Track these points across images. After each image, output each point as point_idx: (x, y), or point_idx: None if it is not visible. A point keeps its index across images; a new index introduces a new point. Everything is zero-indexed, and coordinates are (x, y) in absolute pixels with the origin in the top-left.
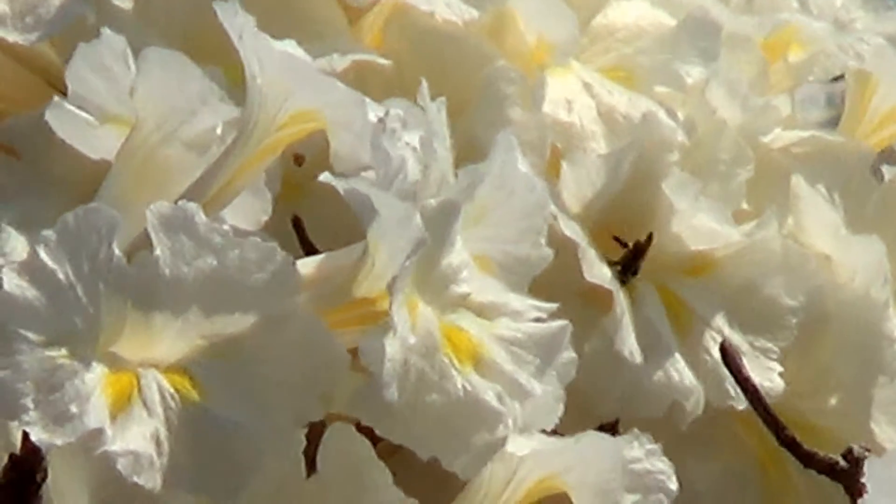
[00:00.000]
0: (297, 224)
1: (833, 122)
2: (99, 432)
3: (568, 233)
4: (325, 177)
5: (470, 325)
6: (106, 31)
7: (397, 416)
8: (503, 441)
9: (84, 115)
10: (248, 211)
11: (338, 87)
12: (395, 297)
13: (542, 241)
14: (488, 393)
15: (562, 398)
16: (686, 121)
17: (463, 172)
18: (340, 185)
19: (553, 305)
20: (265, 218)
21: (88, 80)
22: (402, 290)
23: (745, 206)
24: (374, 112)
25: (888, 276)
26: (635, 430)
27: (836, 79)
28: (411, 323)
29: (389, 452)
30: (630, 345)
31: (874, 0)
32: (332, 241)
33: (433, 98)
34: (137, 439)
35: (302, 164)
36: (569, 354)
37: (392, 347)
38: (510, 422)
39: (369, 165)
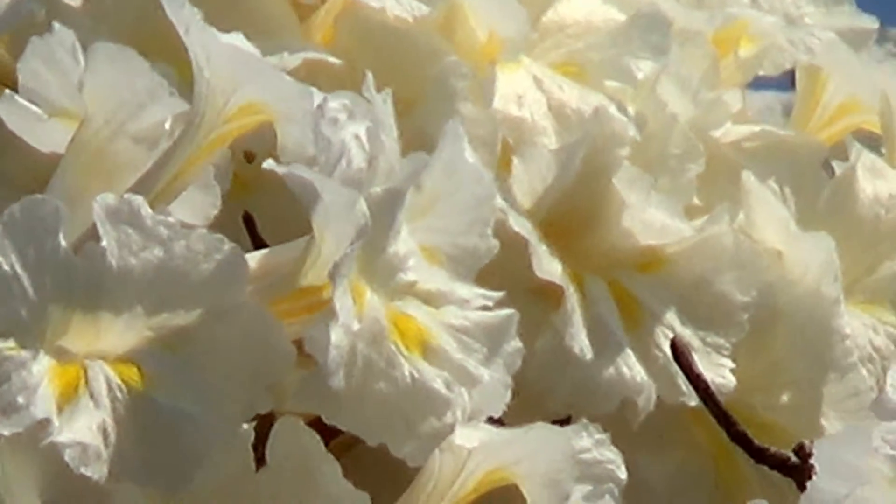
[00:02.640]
0: (248, 220)
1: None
2: (46, 423)
3: (517, 229)
4: (268, 163)
5: (417, 313)
6: (57, 26)
7: (344, 403)
8: (451, 427)
9: (34, 108)
10: (196, 206)
11: (284, 79)
12: (338, 283)
13: (489, 232)
14: (436, 380)
15: (509, 385)
16: (637, 115)
17: (407, 159)
18: (283, 171)
19: (499, 294)
20: (214, 213)
21: (39, 74)
22: (346, 277)
23: (696, 200)
24: (321, 101)
25: (838, 272)
26: (584, 420)
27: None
28: (357, 310)
29: (343, 449)
30: (580, 341)
31: None
32: (283, 238)
33: (380, 91)
34: (84, 430)
35: (252, 160)
36: (515, 344)
37: (337, 334)
38: (458, 409)
39: (315, 158)
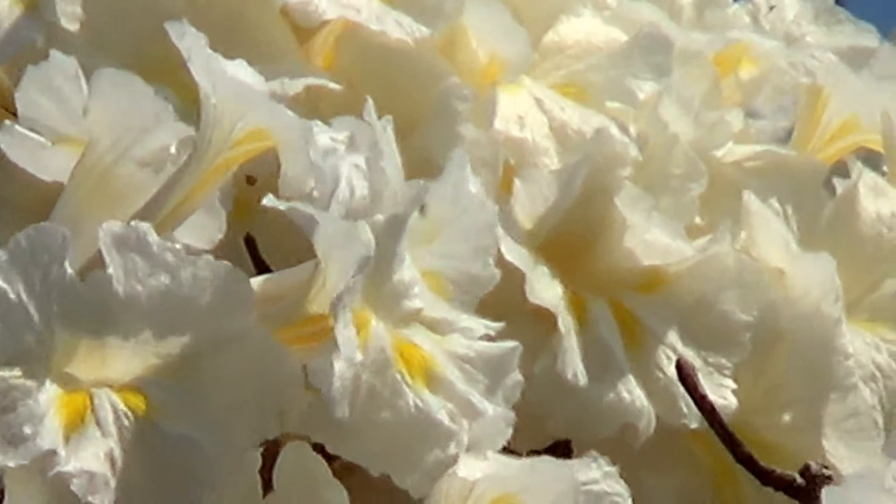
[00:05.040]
0: (250, 243)
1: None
2: (52, 454)
3: (510, 258)
4: (268, 200)
5: (422, 341)
6: (55, 53)
7: (348, 433)
8: (454, 459)
9: (35, 136)
10: (202, 230)
11: (285, 112)
12: (339, 316)
13: (491, 260)
14: (440, 411)
15: (511, 421)
16: (638, 136)
17: (407, 185)
18: (283, 206)
19: (501, 325)
20: (219, 236)
21: (38, 102)
22: (348, 308)
23: (697, 220)
24: (320, 134)
25: (839, 292)
26: (593, 452)
27: None
28: (362, 340)
29: (347, 472)
30: (574, 367)
31: (825, 14)
32: (285, 261)
33: (381, 116)
34: (91, 459)
35: (254, 183)
36: (516, 376)
37: (340, 366)
38: (461, 440)
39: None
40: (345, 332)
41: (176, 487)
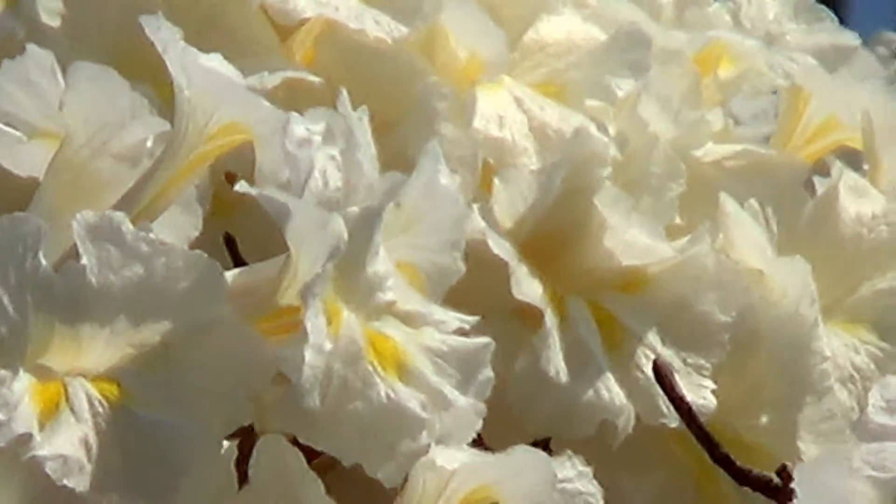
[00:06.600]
0: (230, 241)
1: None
2: (27, 437)
3: (497, 251)
4: (241, 186)
5: (395, 333)
6: (31, 47)
7: (319, 423)
8: (426, 449)
9: (11, 131)
10: (178, 226)
11: (261, 103)
12: (309, 304)
13: (458, 255)
14: (412, 401)
15: (482, 412)
16: (618, 135)
17: (383, 178)
18: (255, 193)
19: (475, 318)
20: (195, 233)
21: (14, 96)
22: (318, 297)
23: (677, 219)
24: (296, 125)
25: (815, 295)
26: (569, 451)
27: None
28: (333, 330)
29: (326, 467)
30: (556, 364)
31: (806, 13)
32: (264, 259)
33: (356, 108)
34: (66, 444)
35: (233, 181)
36: (487, 373)
37: (310, 355)
38: (433, 431)
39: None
40: (314, 321)
41: (152, 473)
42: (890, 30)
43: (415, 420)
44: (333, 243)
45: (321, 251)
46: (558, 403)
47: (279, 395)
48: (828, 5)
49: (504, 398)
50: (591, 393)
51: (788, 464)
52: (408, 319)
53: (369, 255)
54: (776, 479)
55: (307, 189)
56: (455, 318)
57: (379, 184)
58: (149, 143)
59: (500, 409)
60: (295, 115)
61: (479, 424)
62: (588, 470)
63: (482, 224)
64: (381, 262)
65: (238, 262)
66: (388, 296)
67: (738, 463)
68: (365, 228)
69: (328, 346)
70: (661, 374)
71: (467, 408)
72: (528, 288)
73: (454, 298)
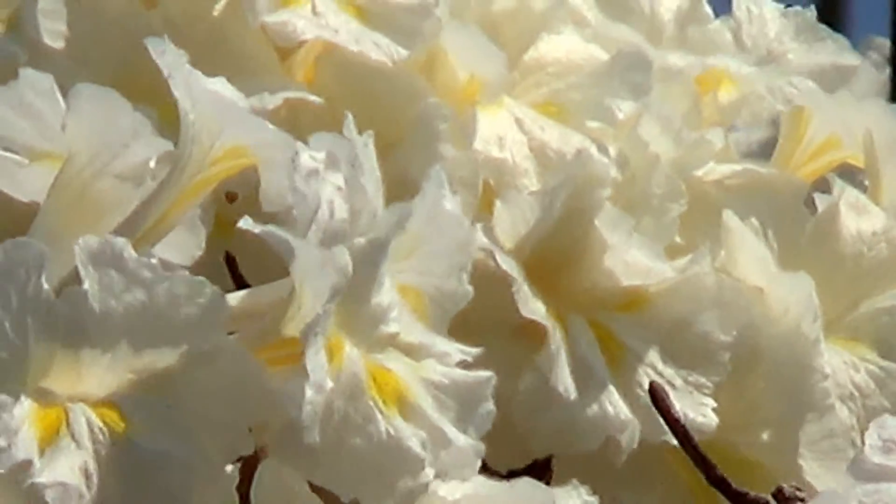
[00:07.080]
0: (230, 261)
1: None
2: (27, 464)
3: (505, 268)
4: (244, 222)
5: (397, 366)
6: (27, 71)
7: (319, 459)
8: (425, 487)
9: (10, 155)
10: (181, 246)
11: (267, 127)
12: (310, 343)
13: (465, 277)
14: (412, 438)
15: (482, 453)
16: (618, 156)
17: (390, 210)
18: (260, 231)
19: (478, 350)
20: (199, 253)
21: (12, 121)
22: (320, 335)
23: (678, 239)
24: (301, 153)
25: (818, 312)
26: (574, 480)
27: None
28: (335, 366)
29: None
30: (565, 380)
31: (807, 32)
32: (266, 279)
33: (361, 132)
34: (66, 471)
35: (234, 201)
36: (488, 406)
37: (311, 393)
38: (432, 468)
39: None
40: (315, 359)
41: (152, 501)
42: (887, 33)
43: (414, 458)
44: (337, 282)
45: (324, 291)
46: (563, 420)
47: (283, 422)
48: (826, 8)
49: (505, 417)
50: (595, 408)
51: (784, 486)
52: (410, 351)
53: (374, 286)
54: (772, 502)
55: (314, 223)
56: (458, 350)
57: (384, 214)
58: (152, 164)
59: (502, 427)
60: (301, 144)
61: (478, 464)
62: (594, 499)
63: (487, 242)
64: (386, 293)
65: (238, 281)
66: (392, 327)
67: (734, 485)
68: (370, 261)
69: (329, 384)
70: (657, 396)
71: (467, 448)
72: (534, 305)
73: (454, 318)
